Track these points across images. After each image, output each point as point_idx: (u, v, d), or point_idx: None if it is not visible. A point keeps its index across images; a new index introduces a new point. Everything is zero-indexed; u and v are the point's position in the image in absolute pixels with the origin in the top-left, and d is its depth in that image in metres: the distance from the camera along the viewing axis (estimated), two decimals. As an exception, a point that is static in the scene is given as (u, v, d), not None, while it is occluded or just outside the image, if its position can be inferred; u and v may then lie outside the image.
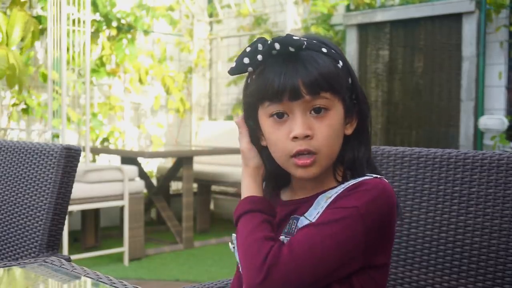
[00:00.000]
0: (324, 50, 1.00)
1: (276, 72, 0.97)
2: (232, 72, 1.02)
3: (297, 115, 0.98)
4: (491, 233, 1.23)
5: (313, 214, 1.00)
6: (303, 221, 1.01)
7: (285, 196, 1.10)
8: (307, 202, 1.03)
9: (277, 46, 0.97)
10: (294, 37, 0.97)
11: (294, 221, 1.03)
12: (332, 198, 1.00)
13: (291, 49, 0.97)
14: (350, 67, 1.04)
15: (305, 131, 0.97)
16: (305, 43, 0.99)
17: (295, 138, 0.98)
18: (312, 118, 0.98)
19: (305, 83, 0.96)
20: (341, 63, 1.01)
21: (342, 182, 1.03)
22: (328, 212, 0.97)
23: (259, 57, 0.98)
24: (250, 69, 1.00)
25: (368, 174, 1.03)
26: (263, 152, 1.07)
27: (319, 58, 0.98)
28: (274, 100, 0.98)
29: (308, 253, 0.93)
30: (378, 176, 1.02)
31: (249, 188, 1.05)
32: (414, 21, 4.30)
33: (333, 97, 0.99)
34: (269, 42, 0.99)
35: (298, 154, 0.98)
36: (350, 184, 1.00)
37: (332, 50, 1.02)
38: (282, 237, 1.01)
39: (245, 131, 1.07)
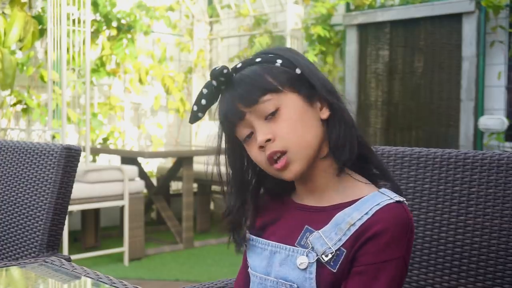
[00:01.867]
0: (258, 60, 1.05)
1: (220, 106, 1.05)
2: (190, 121, 1.09)
3: (255, 127, 1.02)
4: (491, 233, 1.23)
5: (333, 238, 0.99)
6: (318, 239, 1.00)
7: (296, 198, 1.09)
8: (320, 214, 1.03)
9: (214, 83, 1.03)
10: (217, 68, 1.03)
11: (307, 233, 1.02)
12: (357, 226, 0.98)
13: (221, 79, 1.03)
14: (298, 58, 1.05)
15: (265, 136, 1.00)
16: (240, 65, 1.05)
17: (261, 147, 1.01)
18: (268, 123, 1.01)
19: (240, 101, 1.01)
20: (279, 61, 1.04)
21: (356, 199, 1.01)
22: (380, 267, 0.97)
23: (203, 101, 1.05)
24: (200, 115, 1.07)
25: (384, 192, 1.02)
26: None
27: (249, 71, 1.03)
28: (233, 126, 1.03)
29: None
30: (400, 200, 1.01)
31: None
32: (414, 21, 4.30)
33: (276, 94, 1.00)
34: (210, 82, 1.05)
35: (272, 160, 1.00)
36: (374, 211, 0.98)
37: (270, 55, 1.05)
38: (299, 250, 1.01)
39: None
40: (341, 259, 0.98)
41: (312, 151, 1.01)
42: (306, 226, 1.03)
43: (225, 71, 1.02)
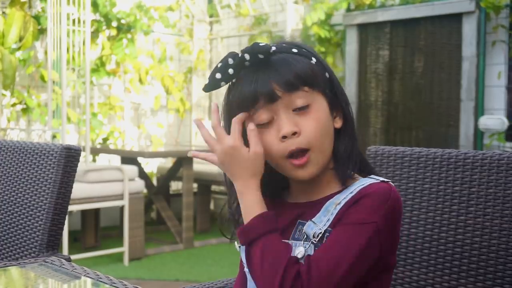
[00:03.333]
0: (294, 50, 1.02)
1: (248, 82, 0.99)
2: (206, 88, 1.02)
3: (281, 115, 0.98)
4: (491, 233, 1.23)
5: (323, 220, 0.99)
6: (310, 226, 1.00)
7: (289, 198, 1.09)
8: (313, 207, 1.03)
9: (246, 56, 0.99)
10: (261, 44, 0.99)
11: (301, 226, 1.03)
12: (342, 204, 0.99)
13: (260, 56, 0.98)
14: (325, 63, 1.06)
15: (292, 128, 0.98)
16: (274, 48, 1.01)
17: (284, 137, 0.98)
18: (296, 115, 0.99)
19: (279, 83, 0.97)
20: (314, 59, 1.03)
21: (346, 186, 1.02)
22: (348, 228, 0.95)
23: (230, 70, 1.00)
24: (222, 83, 1.01)
25: (372, 177, 1.03)
26: None
27: (290, 58, 1.00)
28: (253, 107, 0.99)
29: (333, 268, 0.92)
30: (385, 180, 1.02)
31: (259, 203, 0.99)
32: (414, 21, 4.30)
33: (311, 90, 1.00)
34: (239, 55, 1.00)
35: (292, 154, 0.99)
36: (359, 189, 0.99)
37: (303, 49, 1.04)
38: (291, 242, 1.00)
39: (239, 132, 1.00)
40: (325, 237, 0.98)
41: (327, 159, 1.01)
42: (298, 221, 1.03)
43: (273, 48, 0.98)
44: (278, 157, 1.00)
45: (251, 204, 0.99)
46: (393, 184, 1.02)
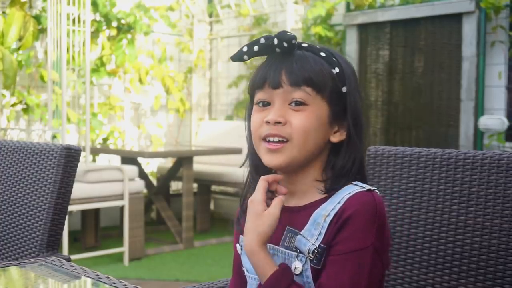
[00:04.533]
0: (322, 54, 1.04)
1: (266, 65, 1.04)
2: (232, 58, 1.06)
3: (276, 103, 1.02)
4: (491, 233, 1.23)
5: (314, 234, 1.00)
6: (302, 241, 1.01)
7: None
8: (299, 214, 1.04)
9: (275, 41, 1.01)
10: (288, 33, 1.01)
11: (291, 234, 1.04)
12: (331, 216, 0.99)
13: (285, 44, 1.01)
14: (351, 79, 1.05)
15: (277, 118, 1.00)
16: (306, 44, 1.04)
17: (267, 122, 1.01)
18: (290, 109, 1.01)
19: (287, 73, 1.00)
20: (337, 69, 1.03)
21: (329, 192, 1.02)
22: (348, 257, 0.97)
23: (256, 48, 1.03)
24: (245, 57, 1.04)
25: (357, 184, 1.03)
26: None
27: (312, 58, 1.02)
28: (258, 87, 1.03)
29: None
30: (371, 188, 1.02)
31: (270, 262, 1.00)
32: (414, 21, 4.30)
33: (315, 94, 1.01)
34: (270, 38, 1.02)
35: (269, 138, 1.01)
36: (346, 198, 1.00)
37: (333, 58, 1.04)
38: (293, 254, 1.02)
39: (263, 189, 1.03)
40: (323, 256, 0.99)
41: (301, 157, 1.02)
42: (287, 227, 1.04)
43: (286, 37, 1.00)
44: (257, 136, 1.04)
45: (263, 264, 1.00)
46: (377, 191, 1.02)
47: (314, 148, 1.02)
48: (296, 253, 1.01)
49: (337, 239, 0.98)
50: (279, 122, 1.00)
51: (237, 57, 1.05)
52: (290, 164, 1.02)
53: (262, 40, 1.02)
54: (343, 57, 1.08)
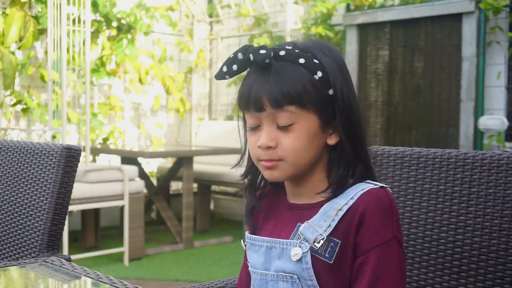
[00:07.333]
0: (301, 61, 1.00)
1: (248, 84, 1.02)
2: (216, 77, 1.05)
3: (264, 126, 1.02)
4: (491, 233, 1.23)
5: (323, 225, 1.00)
6: (309, 229, 1.01)
7: (288, 197, 1.11)
8: (310, 210, 1.04)
9: (251, 57, 0.99)
10: (261, 51, 0.98)
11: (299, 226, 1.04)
12: (344, 211, 1.00)
13: (266, 61, 0.99)
14: (338, 77, 1.02)
15: (268, 143, 1.01)
16: (283, 52, 1.00)
17: (259, 147, 1.02)
18: (278, 130, 1.01)
19: (268, 97, 0.99)
20: (319, 73, 1.00)
21: (339, 190, 1.03)
22: (376, 252, 0.98)
23: (234, 67, 1.01)
24: (227, 77, 1.03)
25: (369, 182, 1.03)
26: None
27: (290, 70, 0.99)
28: (245, 108, 1.03)
29: None
30: (383, 185, 1.02)
31: None
32: (414, 21, 4.30)
33: (299, 111, 0.99)
34: (243, 54, 1.01)
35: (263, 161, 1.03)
36: (359, 195, 1.00)
37: (315, 60, 1.01)
38: (292, 242, 1.02)
39: None
40: (336, 250, 0.99)
41: (300, 170, 1.03)
42: (298, 223, 1.04)
43: (259, 57, 0.98)
44: (254, 158, 1.05)
45: None
46: (389, 189, 1.03)
47: (310, 158, 1.03)
48: (298, 241, 1.01)
49: (358, 239, 0.99)
50: (270, 147, 1.01)
51: (219, 76, 1.04)
52: (289, 177, 1.05)
53: (240, 56, 1.00)
54: (329, 48, 1.04)
